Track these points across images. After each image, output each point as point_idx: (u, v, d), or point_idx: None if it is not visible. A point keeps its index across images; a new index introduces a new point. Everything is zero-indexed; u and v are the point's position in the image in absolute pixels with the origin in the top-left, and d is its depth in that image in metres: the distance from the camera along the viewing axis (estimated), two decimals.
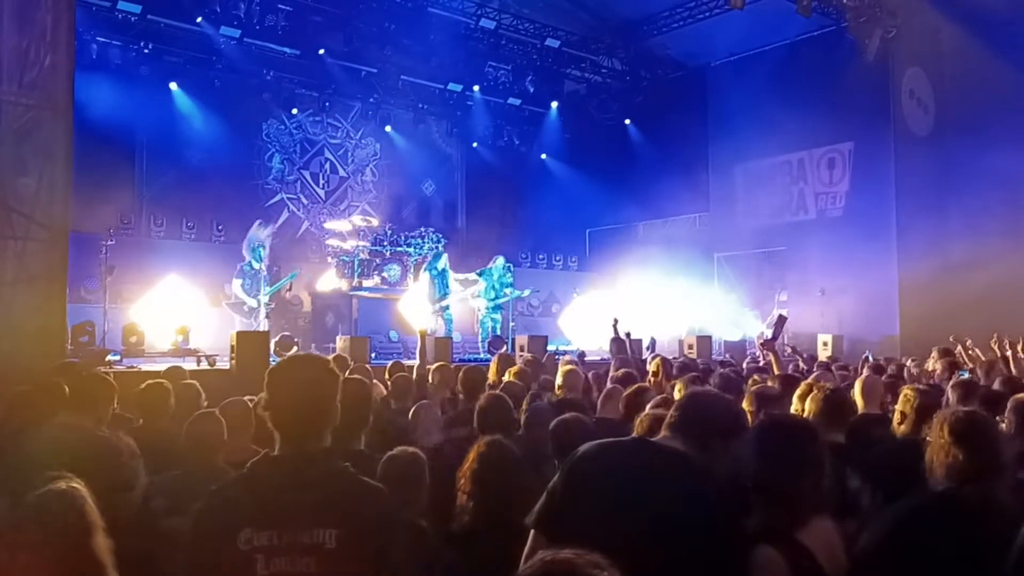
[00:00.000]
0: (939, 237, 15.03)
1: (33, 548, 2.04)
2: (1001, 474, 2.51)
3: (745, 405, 3.73)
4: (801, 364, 9.04)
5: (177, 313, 11.81)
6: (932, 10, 15.41)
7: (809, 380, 4.40)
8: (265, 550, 1.99)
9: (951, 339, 8.04)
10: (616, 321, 8.55)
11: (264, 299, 12.50)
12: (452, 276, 14.00)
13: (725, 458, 2.28)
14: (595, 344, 13.76)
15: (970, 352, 7.86)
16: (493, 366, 6.60)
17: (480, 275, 14.36)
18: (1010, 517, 2.33)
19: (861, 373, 6.65)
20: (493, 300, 14.14)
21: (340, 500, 2.08)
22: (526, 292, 15.55)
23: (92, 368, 5.92)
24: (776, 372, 5.77)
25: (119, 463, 2.88)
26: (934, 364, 6.73)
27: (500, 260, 14.50)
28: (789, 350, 11.13)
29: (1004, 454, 2.57)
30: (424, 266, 14.09)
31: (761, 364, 8.10)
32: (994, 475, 2.48)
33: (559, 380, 5.58)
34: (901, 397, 4.00)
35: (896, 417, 3.94)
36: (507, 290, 14.46)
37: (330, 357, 7.58)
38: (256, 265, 12.49)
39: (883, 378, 5.85)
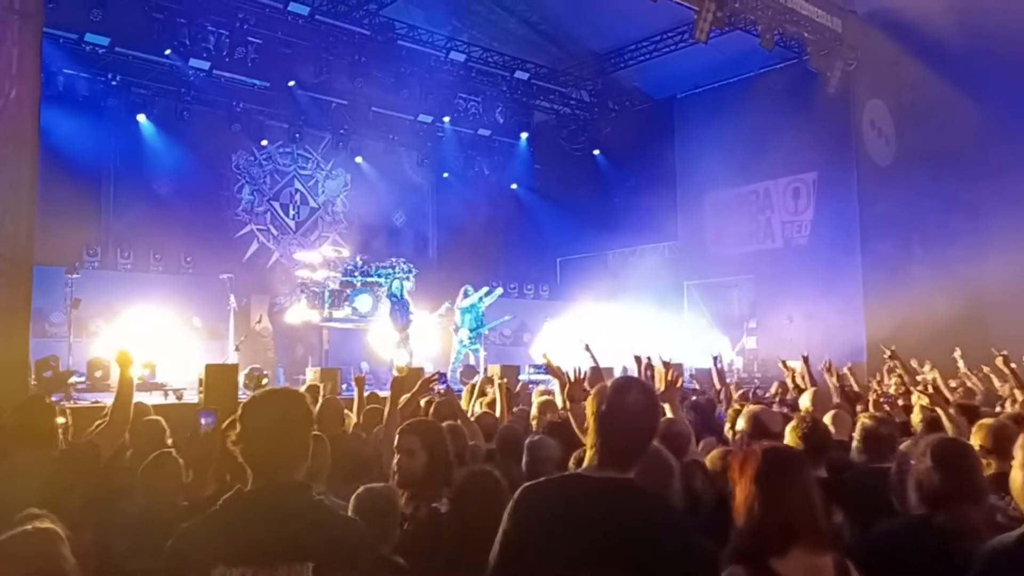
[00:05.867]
0: (903, 263, 15.32)
1: None
2: (979, 500, 2.55)
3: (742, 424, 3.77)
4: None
5: (144, 346, 11.62)
6: (891, 43, 15.82)
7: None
8: None
9: (926, 370, 8.04)
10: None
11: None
12: (414, 304, 13.92)
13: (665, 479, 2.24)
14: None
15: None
16: (465, 397, 6.55)
17: (464, 310, 14.03)
18: (985, 541, 2.34)
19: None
20: (475, 330, 13.98)
21: (316, 532, 2.04)
22: (505, 318, 15.39)
23: (54, 391, 5.77)
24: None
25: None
26: (897, 387, 6.83)
27: (471, 291, 14.27)
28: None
29: (983, 481, 2.63)
30: (384, 294, 14.01)
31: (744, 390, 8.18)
32: (972, 501, 2.52)
33: (534, 411, 5.52)
34: None
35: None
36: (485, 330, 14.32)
37: (303, 388, 7.56)
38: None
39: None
